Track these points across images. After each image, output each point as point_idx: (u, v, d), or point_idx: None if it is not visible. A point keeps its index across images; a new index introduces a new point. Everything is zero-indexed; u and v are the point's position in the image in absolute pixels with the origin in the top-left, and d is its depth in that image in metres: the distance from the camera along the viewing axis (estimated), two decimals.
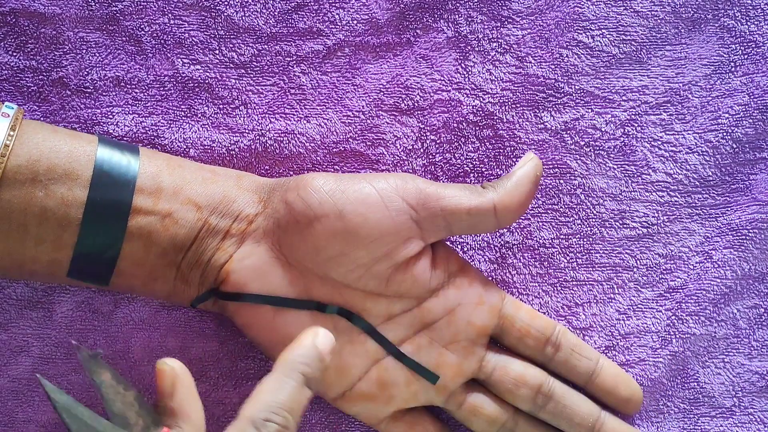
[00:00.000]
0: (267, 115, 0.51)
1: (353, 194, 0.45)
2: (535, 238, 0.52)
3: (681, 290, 0.52)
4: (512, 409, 0.49)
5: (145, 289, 0.47)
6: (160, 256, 0.46)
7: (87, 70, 0.50)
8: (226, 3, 0.51)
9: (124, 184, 0.45)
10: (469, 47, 0.51)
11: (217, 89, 0.51)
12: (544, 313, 0.51)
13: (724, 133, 0.52)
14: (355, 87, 0.51)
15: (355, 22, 0.51)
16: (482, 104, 0.51)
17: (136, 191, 0.45)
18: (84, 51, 0.50)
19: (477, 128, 0.51)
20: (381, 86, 0.51)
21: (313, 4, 0.51)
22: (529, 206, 0.47)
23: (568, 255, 0.52)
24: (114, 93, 0.51)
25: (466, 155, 0.51)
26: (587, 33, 0.52)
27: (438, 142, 0.51)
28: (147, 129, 0.50)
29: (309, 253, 0.46)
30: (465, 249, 0.52)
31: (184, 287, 0.47)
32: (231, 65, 0.51)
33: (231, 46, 0.51)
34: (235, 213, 0.47)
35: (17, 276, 0.46)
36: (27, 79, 0.50)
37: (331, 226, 0.45)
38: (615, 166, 0.52)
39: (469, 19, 0.51)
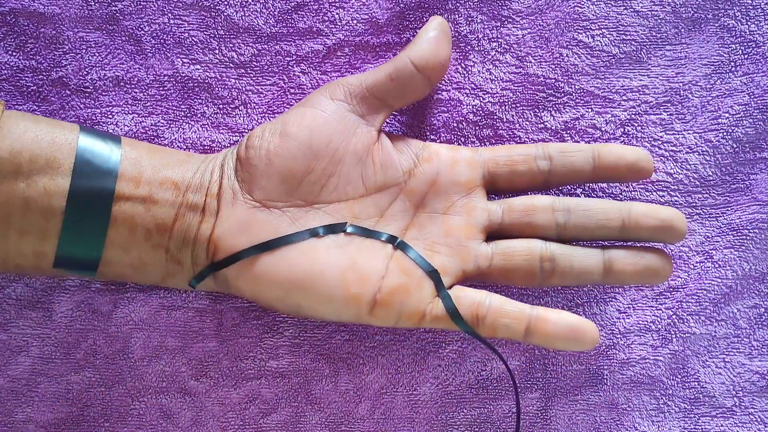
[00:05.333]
0: (267, 115, 0.51)
1: (291, 119, 0.47)
2: None
3: (681, 289, 0.52)
4: (541, 241, 0.48)
5: (137, 275, 0.47)
6: (145, 239, 0.46)
7: (87, 69, 0.50)
8: (226, 3, 0.51)
9: (107, 171, 0.45)
10: (469, 47, 0.51)
11: (217, 89, 0.51)
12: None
13: (725, 133, 0.52)
14: None
15: (355, 21, 0.51)
16: (482, 104, 0.51)
17: (118, 177, 0.45)
18: (84, 51, 0.50)
19: (477, 128, 0.51)
20: None
21: (313, 4, 0.51)
22: (449, 57, 0.48)
23: None
24: (114, 93, 0.51)
25: None
26: (587, 33, 0.52)
27: (438, 142, 0.51)
28: (147, 129, 0.50)
29: (280, 185, 0.46)
30: None
31: (177, 267, 0.47)
32: (231, 65, 0.51)
33: (231, 45, 0.51)
34: (206, 185, 0.47)
35: (2, 271, 0.46)
36: (27, 79, 0.50)
37: (287, 152, 0.46)
38: None
39: (469, 19, 0.51)
